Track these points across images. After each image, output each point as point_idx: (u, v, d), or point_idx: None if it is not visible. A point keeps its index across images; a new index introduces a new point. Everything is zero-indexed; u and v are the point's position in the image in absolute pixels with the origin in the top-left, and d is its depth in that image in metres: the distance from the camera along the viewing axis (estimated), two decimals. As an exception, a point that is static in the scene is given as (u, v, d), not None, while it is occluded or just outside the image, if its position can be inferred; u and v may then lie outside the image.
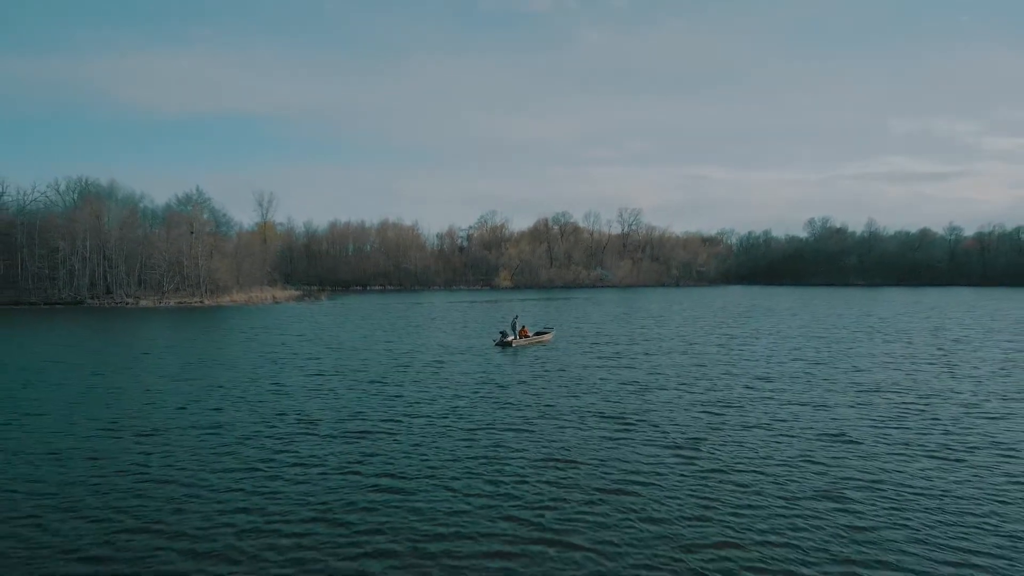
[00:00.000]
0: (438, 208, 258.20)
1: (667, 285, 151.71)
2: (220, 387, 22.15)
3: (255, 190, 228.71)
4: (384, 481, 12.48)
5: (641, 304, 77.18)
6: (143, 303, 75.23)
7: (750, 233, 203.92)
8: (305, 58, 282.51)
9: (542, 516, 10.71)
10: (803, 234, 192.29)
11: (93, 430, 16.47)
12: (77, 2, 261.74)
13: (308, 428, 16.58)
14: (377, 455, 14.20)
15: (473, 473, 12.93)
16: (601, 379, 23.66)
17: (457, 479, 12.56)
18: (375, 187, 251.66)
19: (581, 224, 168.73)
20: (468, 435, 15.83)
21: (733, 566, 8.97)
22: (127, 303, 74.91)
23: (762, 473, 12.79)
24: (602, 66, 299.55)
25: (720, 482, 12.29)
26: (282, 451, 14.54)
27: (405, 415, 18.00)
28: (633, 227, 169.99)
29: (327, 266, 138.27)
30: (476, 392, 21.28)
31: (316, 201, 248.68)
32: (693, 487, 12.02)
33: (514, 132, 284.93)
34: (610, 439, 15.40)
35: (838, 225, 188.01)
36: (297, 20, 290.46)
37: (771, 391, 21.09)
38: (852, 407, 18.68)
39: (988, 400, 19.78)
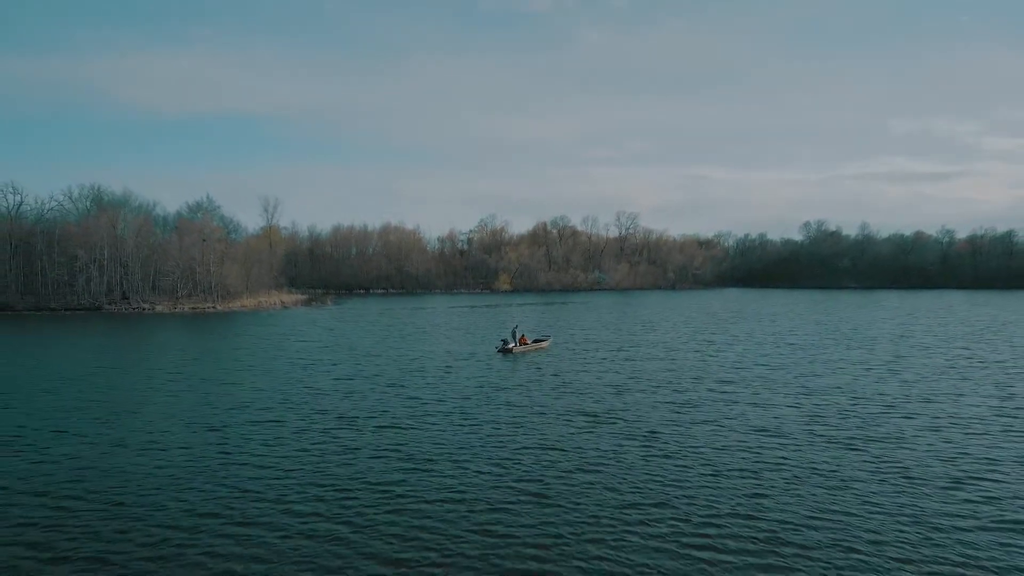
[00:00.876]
0: (438, 208, 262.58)
1: (663, 288, 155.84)
2: (263, 390, 26.27)
3: (261, 195, 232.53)
4: (411, 461, 16.60)
5: (634, 309, 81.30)
6: (158, 308, 79.33)
7: (746, 236, 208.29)
8: (305, 58, 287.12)
9: (530, 484, 14.83)
10: (799, 237, 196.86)
11: (173, 425, 20.58)
12: (77, 2, 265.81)
13: (345, 423, 20.69)
14: (403, 443, 18.31)
15: (479, 456, 17.04)
16: (587, 382, 27.78)
17: (467, 460, 16.68)
18: (375, 187, 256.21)
19: (579, 227, 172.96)
20: (475, 427, 19.95)
21: (664, 516, 13.07)
22: (143, 309, 79.00)
23: (700, 455, 16.92)
24: (602, 66, 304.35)
25: (665, 462, 16.42)
26: (328, 440, 18.65)
27: (423, 412, 22.11)
28: (630, 230, 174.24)
29: (330, 269, 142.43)
30: (481, 393, 25.38)
31: (316, 201, 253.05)
32: (644, 465, 16.15)
33: (514, 132, 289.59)
34: (587, 431, 19.53)
35: (833, 228, 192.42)
36: (297, 20, 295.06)
37: (728, 392, 25.22)
38: (791, 406, 22.80)
39: (908, 402, 23.87)
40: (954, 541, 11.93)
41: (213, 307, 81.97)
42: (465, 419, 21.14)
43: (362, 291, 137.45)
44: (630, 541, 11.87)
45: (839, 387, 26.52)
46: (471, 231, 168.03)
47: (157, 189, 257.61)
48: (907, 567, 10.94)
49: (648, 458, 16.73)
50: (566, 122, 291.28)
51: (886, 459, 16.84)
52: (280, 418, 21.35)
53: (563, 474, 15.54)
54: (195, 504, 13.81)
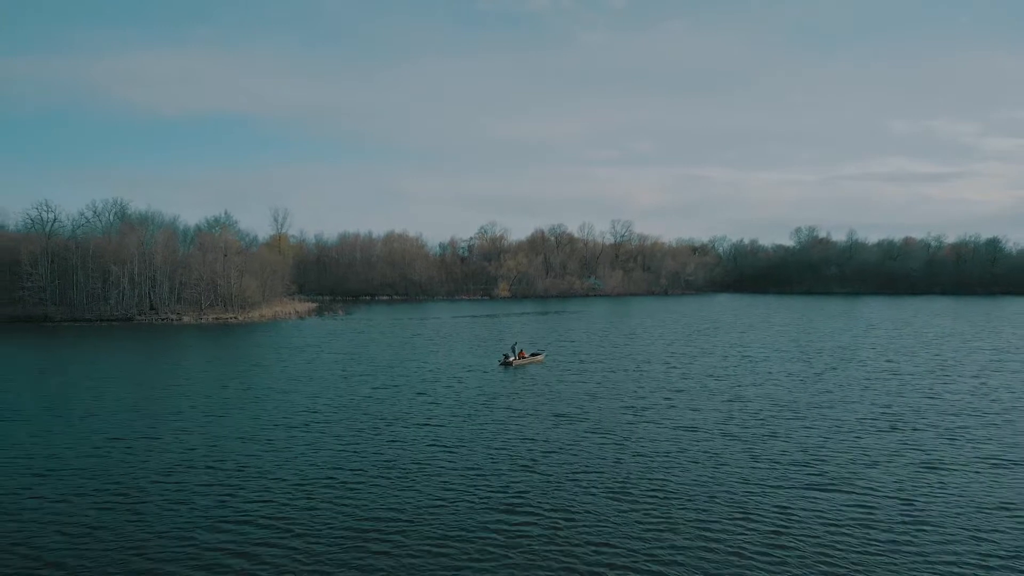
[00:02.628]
0: (439, 208, 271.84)
1: (656, 294, 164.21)
2: (319, 397, 34.53)
3: (272, 206, 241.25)
4: (439, 447, 24.85)
5: (622, 319, 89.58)
6: (185, 319, 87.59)
7: (740, 240, 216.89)
8: (305, 58, 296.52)
9: (519, 459, 23.10)
10: (791, 242, 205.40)
11: (266, 424, 28.84)
12: (77, 2, 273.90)
13: (387, 423, 28.94)
14: (432, 435, 26.55)
15: (485, 443, 25.32)
16: (568, 390, 36.05)
17: (477, 446, 24.94)
18: (374, 187, 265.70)
19: (576, 235, 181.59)
20: (483, 424, 28.20)
21: (602, 478, 21.29)
22: (171, 319, 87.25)
23: (635, 443, 25.21)
24: (602, 67, 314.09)
25: (610, 447, 24.70)
26: (379, 434, 26.90)
27: (444, 413, 30.35)
28: (625, 237, 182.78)
29: (337, 276, 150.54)
30: (487, 399, 33.63)
31: (315, 200, 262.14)
32: (595, 450, 24.44)
33: (516, 132, 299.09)
34: (560, 427, 27.82)
35: (823, 234, 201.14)
36: (297, 20, 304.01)
37: (673, 398, 33.48)
38: (714, 410, 31.05)
39: (808, 408, 32.06)
40: (779, 497, 20.14)
41: (235, 317, 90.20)
42: (475, 418, 29.42)
43: (367, 297, 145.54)
44: (576, 493, 20.12)
45: (762, 395, 34.79)
46: (471, 238, 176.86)
47: (158, 188, 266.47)
48: (743, 509, 19.17)
49: (600, 445, 25.03)
50: (567, 123, 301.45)
51: (760, 448, 25.04)
52: (341, 419, 29.62)
53: (541, 455, 23.82)
54: (305, 473, 22.05)
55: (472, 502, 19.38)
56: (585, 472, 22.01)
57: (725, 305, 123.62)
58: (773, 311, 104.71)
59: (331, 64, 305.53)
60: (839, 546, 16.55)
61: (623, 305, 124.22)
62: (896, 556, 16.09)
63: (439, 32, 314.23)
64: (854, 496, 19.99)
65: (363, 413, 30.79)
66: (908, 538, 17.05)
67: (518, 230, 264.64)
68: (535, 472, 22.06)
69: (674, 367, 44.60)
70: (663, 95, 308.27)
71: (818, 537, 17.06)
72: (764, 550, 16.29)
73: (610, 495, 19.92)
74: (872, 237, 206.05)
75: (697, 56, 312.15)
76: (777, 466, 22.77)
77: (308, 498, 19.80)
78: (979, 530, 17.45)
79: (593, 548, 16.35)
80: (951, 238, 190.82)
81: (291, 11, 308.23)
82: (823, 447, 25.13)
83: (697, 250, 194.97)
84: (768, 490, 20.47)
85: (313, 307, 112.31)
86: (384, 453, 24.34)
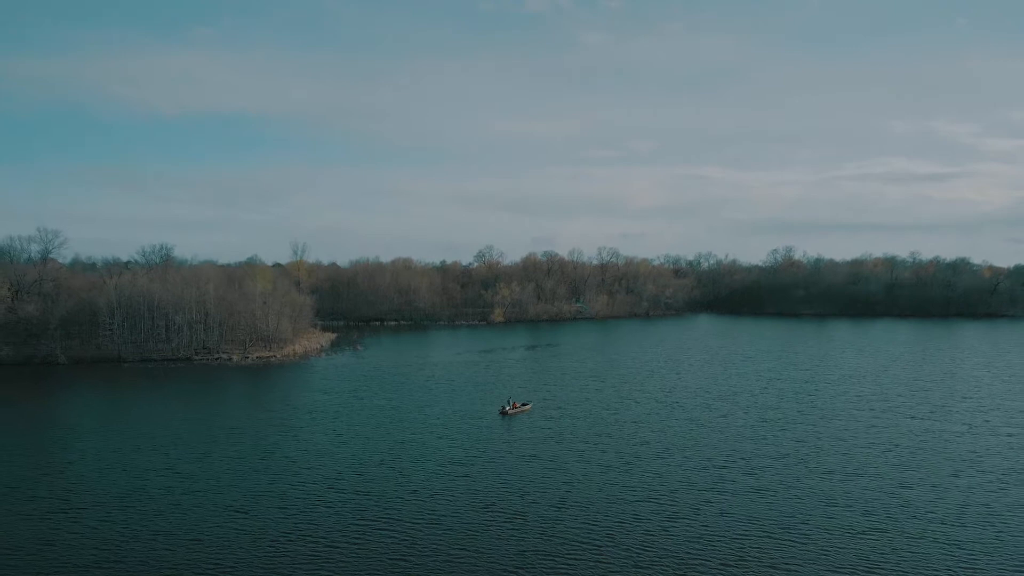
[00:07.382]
0: (438, 208, 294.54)
1: (639, 316, 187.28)
2: (383, 441, 57.11)
3: (292, 240, 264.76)
4: (463, 476, 47.52)
5: (599, 357, 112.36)
6: (234, 359, 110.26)
7: (725, 256, 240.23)
8: (305, 58, 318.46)
9: (506, 480, 45.89)
10: (768, 261, 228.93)
11: (359, 461, 51.52)
12: (77, 2, 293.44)
13: (426, 457, 51.55)
14: (457, 471, 49.23)
15: (487, 468, 48.07)
16: (542, 435, 58.75)
17: (482, 475, 47.68)
18: (374, 186, 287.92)
19: (567, 258, 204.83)
20: (487, 460, 50.88)
21: (550, 497, 44.05)
22: (223, 359, 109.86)
23: (571, 474, 48.02)
24: (601, 67, 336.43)
25: (554, 478, 47.51)
26: (422, 466, 49.58)
27: (461, 454, 52.96)
28: (611, 260, 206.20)
29: (350, 301, 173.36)
30: (489, 442, 56.26)
31: (316, 200, 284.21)
32: (546, 478, 47.26)
33: (515, 132, 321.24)
34: (531, 463, 50.58)
35: (799, 255, 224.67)
36: (297, 20, 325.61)
37: (602, 443, 56.15)
38: (623, 451, 53.76)
39: (685, 448, 54.82)
40: (628, 503, 42.86)
41: (275, 356, 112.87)
42: (482, 454, 52.08)
43: (377, 323, 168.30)
44: (530, 504, 42.83)
45: (660, 439, 57.49)
46: (470, 263, 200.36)
47: (158, 188, 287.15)
48: (616, 507, 41.98)
49: (550, 476, 47.76)
50: (567, 122, 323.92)
51: (633, 476, 47.73)
52: (398, 454, 52.19)
53: (517, 479, 46.53)
54: (394, 492, 44.71)
55: (475, 508, 42.14)
56: (539, 492, 44.76)
57: (696, 331, 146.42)
58: (731, 341, 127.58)
59: (331, 64, 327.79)
60: (648, 536, 39.29)
61: (605, 334, 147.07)
62: (681, 541, 38.84)
63: (439, 33, 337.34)
64: (666, 505, 42.67)
65: (411, 452, 53.50)
66: (691, 532, 39.73)
67: (516, 233, 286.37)
68: (512, 491, 44.84)
69: (616, 413, 67.51)
70: (662, 95, 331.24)
71: (637, 533, 39.79)
72: (609, 534, 38.98)
73: (551, 505, 42.71)
74: (867, 240, 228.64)
75: (696, 56, 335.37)
76: (636, 488, 45.55)
77: (397, 509, 42.49)
78: (728, 531, 40.17)
79: (533, 530, 39.13)
80: (942, 245, 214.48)
81: (291, 12, 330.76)
82: (671, 476, 47.84)
83: (678, 272, 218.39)
84: (623, 501, 43.22)
85: (333, 337, 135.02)
86: (429, 482, 46.98)
